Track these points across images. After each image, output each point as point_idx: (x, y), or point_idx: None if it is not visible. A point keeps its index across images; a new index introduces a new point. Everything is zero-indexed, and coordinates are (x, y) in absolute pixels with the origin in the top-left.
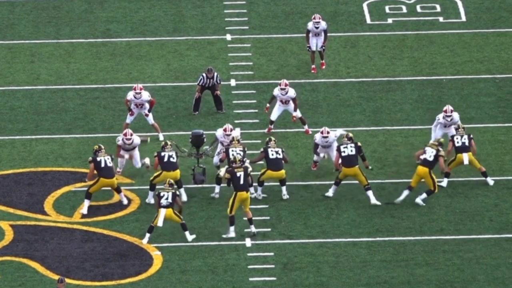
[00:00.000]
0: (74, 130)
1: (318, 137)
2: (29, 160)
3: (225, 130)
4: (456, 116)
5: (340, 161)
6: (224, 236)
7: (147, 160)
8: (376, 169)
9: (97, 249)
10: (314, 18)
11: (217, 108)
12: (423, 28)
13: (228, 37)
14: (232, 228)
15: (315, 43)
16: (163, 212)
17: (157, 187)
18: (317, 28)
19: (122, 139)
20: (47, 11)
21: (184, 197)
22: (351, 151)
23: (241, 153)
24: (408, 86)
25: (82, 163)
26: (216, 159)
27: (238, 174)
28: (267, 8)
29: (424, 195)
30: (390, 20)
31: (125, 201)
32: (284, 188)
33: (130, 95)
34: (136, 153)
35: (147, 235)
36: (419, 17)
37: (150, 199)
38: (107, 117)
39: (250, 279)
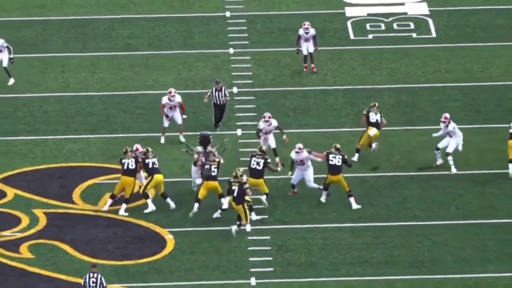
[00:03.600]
0: (98, 131)
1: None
2: (59, 156)
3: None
4: (450, 126)
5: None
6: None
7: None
8: (359, 165)
9: (118, 233)
10: (304, 25)
11: (219, 120)
12: (399, 43)
13: (231, 50)
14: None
15: (306, 47)
16: (227, 199)
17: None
18: (306, 33)
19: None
20: (75, 29)
21: (172, 205)
22: (338, 162)
23: (215, 170)
24: (386, 93)
25: (105, 159)
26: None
27: (233, 188)
28: (264, 25)
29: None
30: (370, 36)
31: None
32: (263, 197)
33: (165, 99)
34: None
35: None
36: (395, 33)
37: (152, 207)
38: (126, 119)
39: (250, 259)
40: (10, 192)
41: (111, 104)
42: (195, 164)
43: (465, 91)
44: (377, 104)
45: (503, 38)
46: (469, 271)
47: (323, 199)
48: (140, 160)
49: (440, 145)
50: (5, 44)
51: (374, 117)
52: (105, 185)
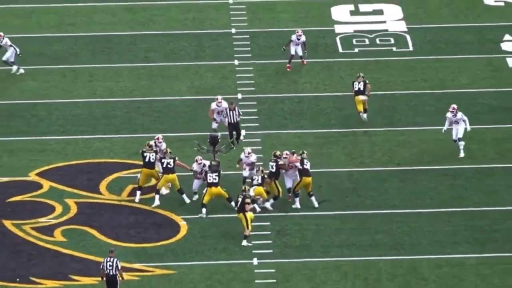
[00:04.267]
0: (121, 132)
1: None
2: (88, 154)
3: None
4: (459, 114)
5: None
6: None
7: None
8: (346, 161)
9: (139, 220)
10: (297, 32)
11: (235, 138)
12: (381, 56)
13: (236, 62)
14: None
15: (295, 49)
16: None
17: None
18: (298, 39)
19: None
20: (101, 43)
21: (187, 200)
22: (309, 165)
23: (217, 178)
24: (370, 98)
25: (127, 156)
26: (195, 184)
27: (238, 199)
28: (265, 40)
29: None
30: (356, 50)
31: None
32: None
33: (214, 105)
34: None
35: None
36: (378, 47)
37: (157, 202)
38: (145, 122)
39: (253, 242)
40: (46, 184)
41: (132, 108)
42: (196, 177)
43: (439, 98)
44: (361, 74)
45: (471, 52)
46: (441, 253)
47: (297, 204)
48: (159, 158)
49: (454, 135)
50: (9, 43)
51: (357, 85)
52: (128, 178)
